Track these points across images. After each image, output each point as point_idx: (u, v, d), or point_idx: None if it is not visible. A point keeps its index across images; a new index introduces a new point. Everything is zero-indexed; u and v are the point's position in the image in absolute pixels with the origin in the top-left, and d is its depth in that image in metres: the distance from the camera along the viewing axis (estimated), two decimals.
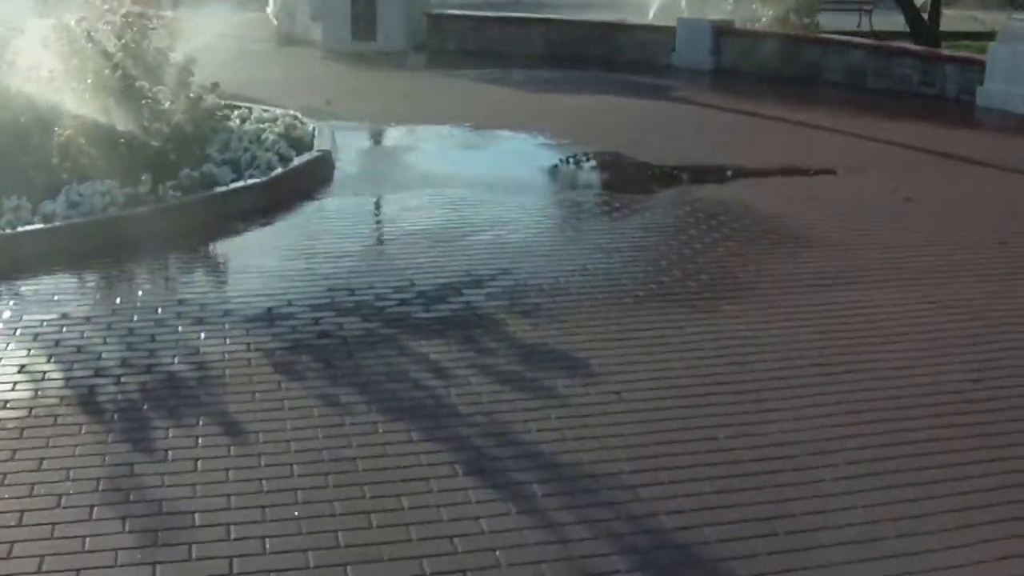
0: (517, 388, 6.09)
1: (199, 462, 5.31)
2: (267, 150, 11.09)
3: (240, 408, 5.88)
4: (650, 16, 23.26)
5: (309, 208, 10.03)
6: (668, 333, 6.88)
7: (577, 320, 7.10)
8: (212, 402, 5.97)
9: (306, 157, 11.14)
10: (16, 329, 7.01)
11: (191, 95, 10.70)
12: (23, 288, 7.83)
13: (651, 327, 6.99)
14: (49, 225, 8.89)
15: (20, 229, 8.79)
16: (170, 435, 5.59)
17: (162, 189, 9.62)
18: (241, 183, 10.13)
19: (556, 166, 11.83)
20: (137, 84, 10.17)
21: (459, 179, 11.13)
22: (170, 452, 5.41)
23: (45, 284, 7.92)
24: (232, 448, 5.45)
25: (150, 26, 11.66)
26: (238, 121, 12.64)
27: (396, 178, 11.36)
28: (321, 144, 11.71)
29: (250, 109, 13.39)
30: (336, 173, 11.37)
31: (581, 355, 6.54)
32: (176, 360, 6.53)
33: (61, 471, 5.23)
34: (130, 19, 10.53)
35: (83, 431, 5.64)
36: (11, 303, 7.54)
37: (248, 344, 6.75)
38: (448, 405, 5.89)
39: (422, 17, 22.78)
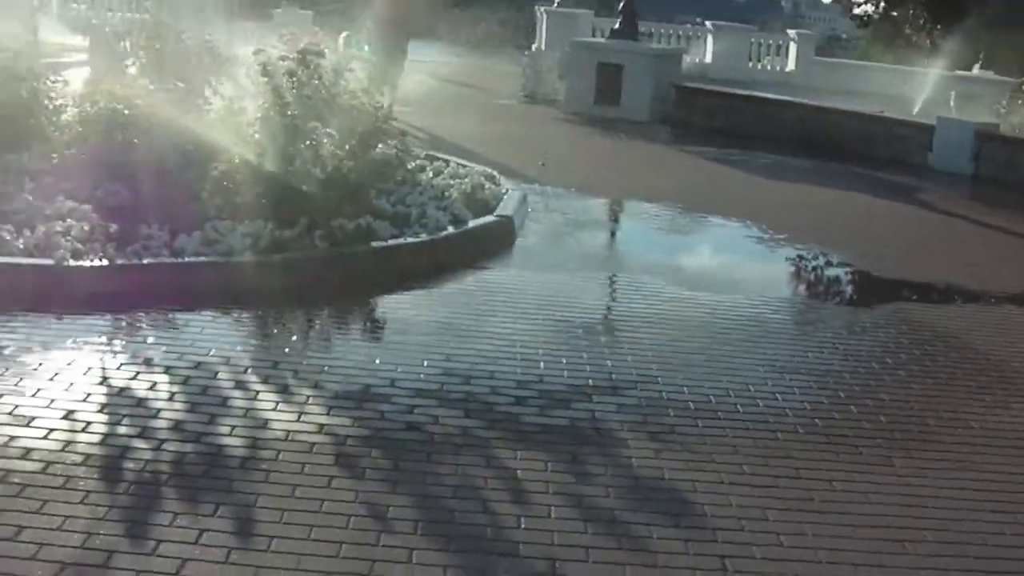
0: (602, 532, 5.04)
1: (186, 563, 4.47)
2: (443, 209, 10.32)
3: (269, 504, 5.05)
4: (915, 111, 21.70)
5: (468, 277, 9.19)
6: (815, 486, 5.68)
7: (712, 452, 5.99)
8: (241, 491, 5.15)
9: (480, 221, 10.32)
10: (88, 370, 6.40)
11: (368, 142, 10.00)
12: (120, 325, 7.29)
13: (798, 475, 5.80)
14: (174, 260, 8.31)
15: (144, 261, 8.24)
16: (175, 523, 4.79)
17: (310, 238, 8.94)
18: (399, 240, 9.36)
19: (757, 263, 10.67)
20: (309, 125, 9.54)
21: (645, 264, 10.15)
22: (161, 545, 4.61)
23: (144, 323, 7.34)
24: (232, 554, 4.59)
25: (346, 67, 11.10)
26: (430, 174, 11.99)
27: (578, 255, 10.42)
28: (506, 209, 10.86)
29: (447, 162, 12.74)
30: (517, 242, 10.50)
31: (699, 500, 5.42)
32: (233, 432, 5.74)
33: (33, 546, 4.49)
34: (307, 56, 9.90)
35: (86, 500, 4.92)
36: (96, 340, 6.97)
37: (321, 426, 5.91)
38: (508, 541, 4.89)
39: (671, 88, 21.85)
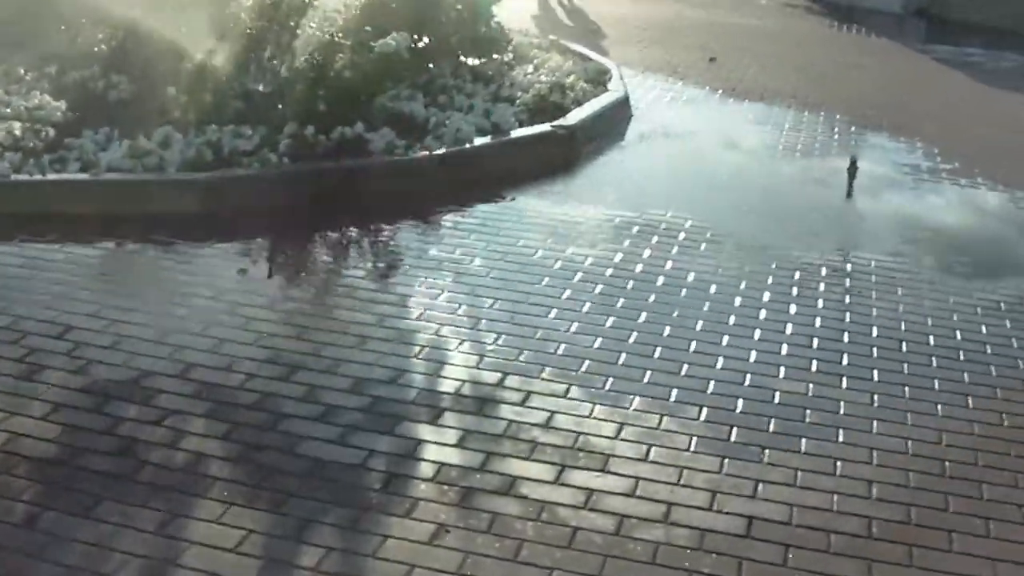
0: None
1: None
2: (485, 115, 8.24)
3: None
4: None
5: (462, 212, 7.09)
6: None
7: None
8: None
9: (520, 133, 8.14)
10: None
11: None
12: None
13: None
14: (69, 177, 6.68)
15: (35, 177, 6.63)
16: None
17: (266, 151, 7.08)
18: (367, 160, 7.32)
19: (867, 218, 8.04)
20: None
21: (703, 207, 7.65)
22: None
23: None
24: None
25: None
26: (531, 69, 9.87)
27: (639, 188, 8.03)
28: (571, 118, 8.57)
29: (567, 56, 10.65)
30: (579, 163, 8.29)
31: None
32: None
33: None
34: None
35: None
36: None
37: None
38: None
39: None
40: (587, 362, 5.08)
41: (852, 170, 8.44)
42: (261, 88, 7.37)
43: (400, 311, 5.50)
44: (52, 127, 7.29)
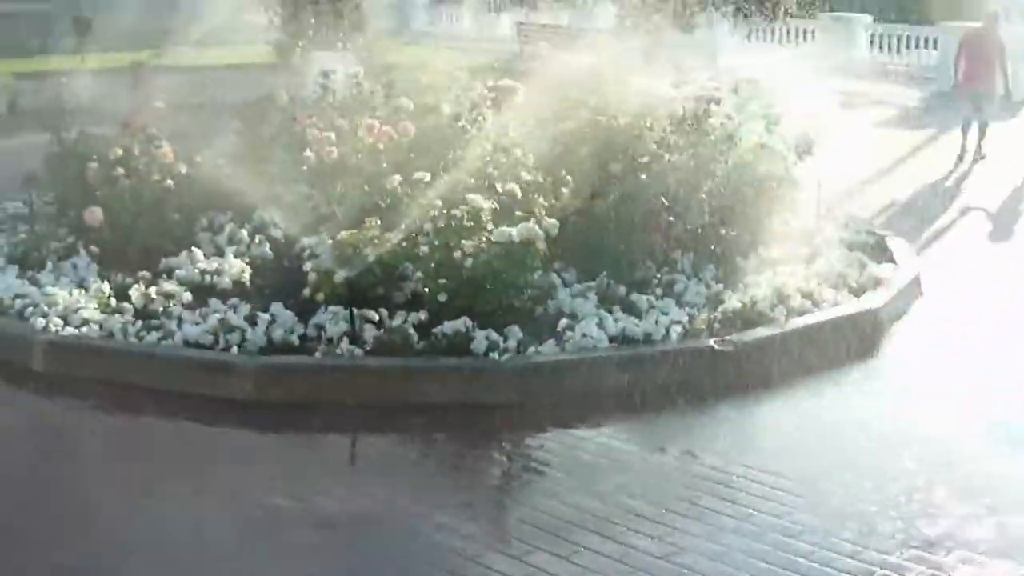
0: None
1: None
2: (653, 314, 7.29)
3: None
4: None
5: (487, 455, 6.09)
6: None
7: None
8: None
9: (675, 345, 7.03)
10: None
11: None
12: None
13: None
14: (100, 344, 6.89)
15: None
16: None
17: (346, 341, 6.76)
18: (405, 361, 6.67)
19: None
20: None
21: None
22: None
23: None
24: None
25: None
26: (800, 267, 8.46)
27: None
28: (774, 332, 7.23)
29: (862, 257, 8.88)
30: (769, 398, 6.80)
31: None
32: None
33: None
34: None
35: None
36: None
37: None
38: None
39: None
40: None
41: None
42: (341, 272, 6.96)
43: None
44: (193, 293, 7.34)
